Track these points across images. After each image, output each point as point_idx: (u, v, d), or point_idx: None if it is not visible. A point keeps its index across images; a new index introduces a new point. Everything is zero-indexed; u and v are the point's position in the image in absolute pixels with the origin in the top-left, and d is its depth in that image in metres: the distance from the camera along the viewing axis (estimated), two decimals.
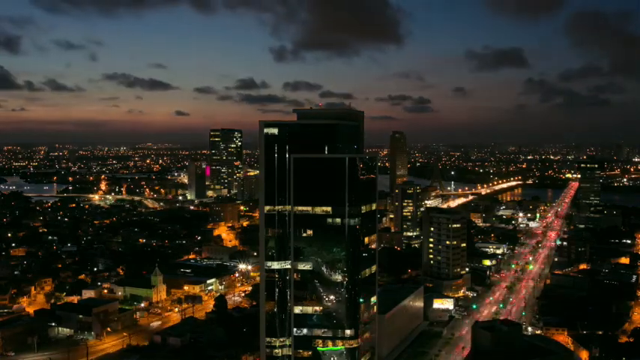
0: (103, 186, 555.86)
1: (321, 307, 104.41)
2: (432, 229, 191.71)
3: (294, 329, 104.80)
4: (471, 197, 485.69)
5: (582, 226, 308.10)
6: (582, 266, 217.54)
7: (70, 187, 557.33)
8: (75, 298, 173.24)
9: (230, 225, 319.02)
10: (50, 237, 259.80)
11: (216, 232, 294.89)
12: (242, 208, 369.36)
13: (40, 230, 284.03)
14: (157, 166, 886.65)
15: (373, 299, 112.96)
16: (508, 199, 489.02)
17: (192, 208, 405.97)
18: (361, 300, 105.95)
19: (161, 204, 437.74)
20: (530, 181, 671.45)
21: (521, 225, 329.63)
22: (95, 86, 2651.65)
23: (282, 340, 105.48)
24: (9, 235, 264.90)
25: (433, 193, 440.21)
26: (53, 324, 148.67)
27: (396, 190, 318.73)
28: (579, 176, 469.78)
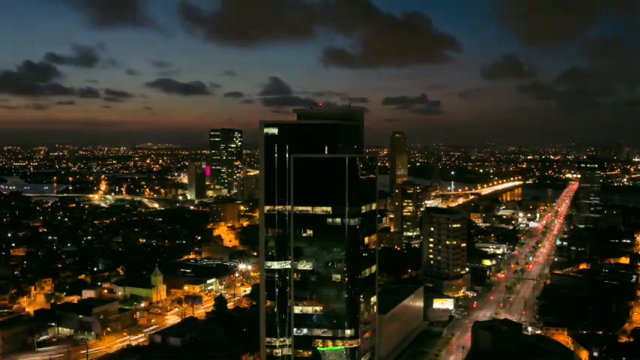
0: (103, 186, 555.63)
1: (321, 307, 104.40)
2: (432, 229, 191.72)
3: (294, 329, 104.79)
4: (471, 197, 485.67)
5: (582, 226, 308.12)
6: (582, 266, 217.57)
7: (70, 187, 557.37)
8: (75, 298, 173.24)
9: (230, 225, 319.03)
10: (50, 237, 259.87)
11: (216, 232, 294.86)
12: (242, 208, 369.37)
13: (40, 230, 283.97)
14: (157, 166, 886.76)
15: (373, 299, 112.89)
16: (508, 199, 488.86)
17: (192, 208, 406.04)
18: (361, 300, 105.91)
19: (161, 204, 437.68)
20: (530, 181, 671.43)
21: (521, 225, 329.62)
22: (140, 92, 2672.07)
23: (282, 340, 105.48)
24: (9, 235, 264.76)
25: (433, 193, 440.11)
26: (53, 324, 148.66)
27: (396, 190, 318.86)
28: (579, 176, 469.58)
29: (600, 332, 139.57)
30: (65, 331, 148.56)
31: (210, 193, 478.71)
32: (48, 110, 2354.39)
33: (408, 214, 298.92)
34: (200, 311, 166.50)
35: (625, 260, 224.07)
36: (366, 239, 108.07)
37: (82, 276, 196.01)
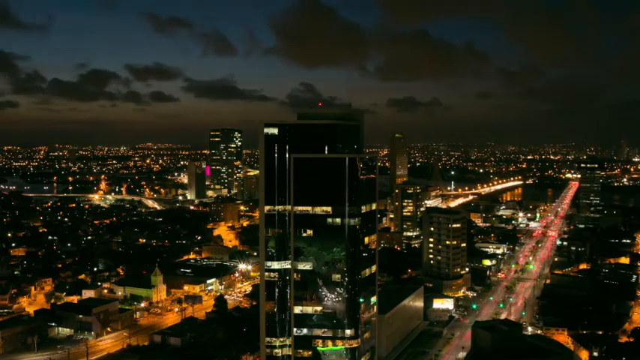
0: (103, 186, 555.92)
1: (321, 307, 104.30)
2: (432, 229, 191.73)
3: (294, 329, 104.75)
4: (471, 197, 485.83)
5: (582, 226, 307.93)
6: (582, 266, 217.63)
7: (70, 187, 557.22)
8: (75, 298, 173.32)
9: (230, 225, 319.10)
10: (50, 237, 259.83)
11: (216, 232, 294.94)
12: (242, 208, 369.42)
13: (40, 230, 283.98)
14: (157, 166, 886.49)
15: (373, 299, 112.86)
16: (508, 199, 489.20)
17: (192, 208, 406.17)
18: (361, 300, 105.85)
19: (161, 204, 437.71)
20: (530, 181, 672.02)
21: (521, 225, 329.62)
22: (185, 97, 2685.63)
23: (282, 340, 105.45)
24: (9, 235, 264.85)
25: (433, 193, 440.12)
26: (53, 324, 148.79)
27: (396, 190, 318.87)
28: (579, 176, 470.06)
29: (600, 332, 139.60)
30: (65, 331, 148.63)
31: (210, 193, 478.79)
32: (82, 112, 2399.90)
33: (408, 214, 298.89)
34: (200, 311, 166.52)
35: (625, 260, 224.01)
36: (366, 239, 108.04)
37: (82, 276, 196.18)
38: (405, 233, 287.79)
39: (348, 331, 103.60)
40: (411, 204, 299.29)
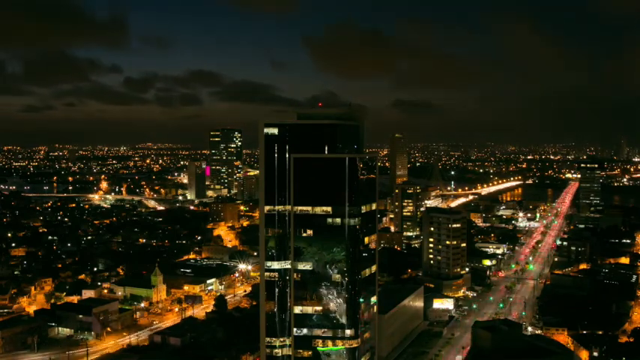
0: (103, 186, 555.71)
1: (321, 307, 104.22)
2: (432, 229, 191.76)
3: (294, 329, 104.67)
4: (471, 197, 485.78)
5: (582, 226, 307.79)
6: (582, 266, 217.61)
7: (70, 187, 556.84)
8: (75, 298, 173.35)
9: (230, 225, 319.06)
10: (50, 237, 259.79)
11: (216, 232, 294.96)
12: (242, 208, 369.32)
13: (40, 230, 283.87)
14: (157, 166, 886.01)
15: (373, 299, 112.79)
16: (508, 199, 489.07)
17: (192, 208, 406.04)
18: (361, 300, 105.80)
19: (161, 204, 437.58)
20: (530, 181, 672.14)
21: (521, 225, 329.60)
22: (212, 102, 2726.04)
23: (282, 340, 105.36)
24: (9, 235, 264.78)
25: (433, 193, 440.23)
26: (53, 324, 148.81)
27: (396, 190, 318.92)
28: (579, 176, 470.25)
29: (600, 332, 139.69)
30: (65, 331, 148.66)
31: (210, 193, 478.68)
32: (109, 114, 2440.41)
33: (408, 214, 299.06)
34: (200, 311, 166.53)
35: (625, 260, 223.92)
36: (366, 239, 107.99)
37: (82, 276, 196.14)
38: (405, 233, 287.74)
39: (348, 331, 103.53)
40: (411, 204, 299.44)
